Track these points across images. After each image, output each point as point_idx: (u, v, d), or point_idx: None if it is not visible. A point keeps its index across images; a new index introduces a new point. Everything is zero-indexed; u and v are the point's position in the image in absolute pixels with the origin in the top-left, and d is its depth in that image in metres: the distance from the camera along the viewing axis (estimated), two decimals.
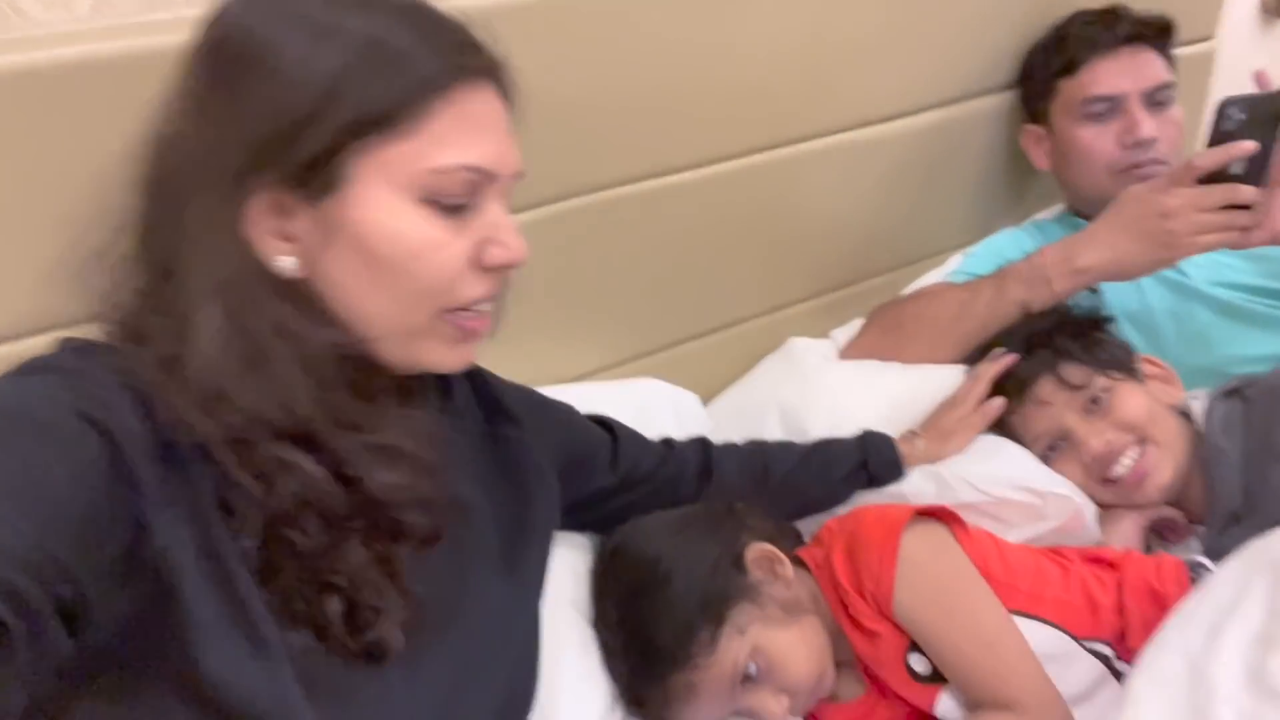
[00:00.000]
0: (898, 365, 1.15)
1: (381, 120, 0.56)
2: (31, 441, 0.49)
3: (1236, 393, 1.03)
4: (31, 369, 0.55)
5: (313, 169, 0.56)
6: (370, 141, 0.57)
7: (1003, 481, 0.98)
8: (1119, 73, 1.22)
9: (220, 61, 0.57)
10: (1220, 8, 1.56)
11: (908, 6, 1.21)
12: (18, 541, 0.46)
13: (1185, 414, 1.05)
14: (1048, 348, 1.05)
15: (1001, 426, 1.06)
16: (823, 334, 1.29)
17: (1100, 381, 1.02)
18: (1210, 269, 1.21)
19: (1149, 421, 1.01)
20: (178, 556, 0.53)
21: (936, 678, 0.83)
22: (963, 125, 1.34)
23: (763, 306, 1.27)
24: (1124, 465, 1.00)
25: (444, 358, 0.63)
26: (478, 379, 0.80)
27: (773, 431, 1.11)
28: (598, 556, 0.88)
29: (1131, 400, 1.02)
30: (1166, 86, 1.23)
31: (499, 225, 0.61)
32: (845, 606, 0.85)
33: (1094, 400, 1.02)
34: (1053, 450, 1.04)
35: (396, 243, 0.58)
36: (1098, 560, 0.90)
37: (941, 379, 1.13)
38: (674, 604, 0.80)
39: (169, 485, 0.54)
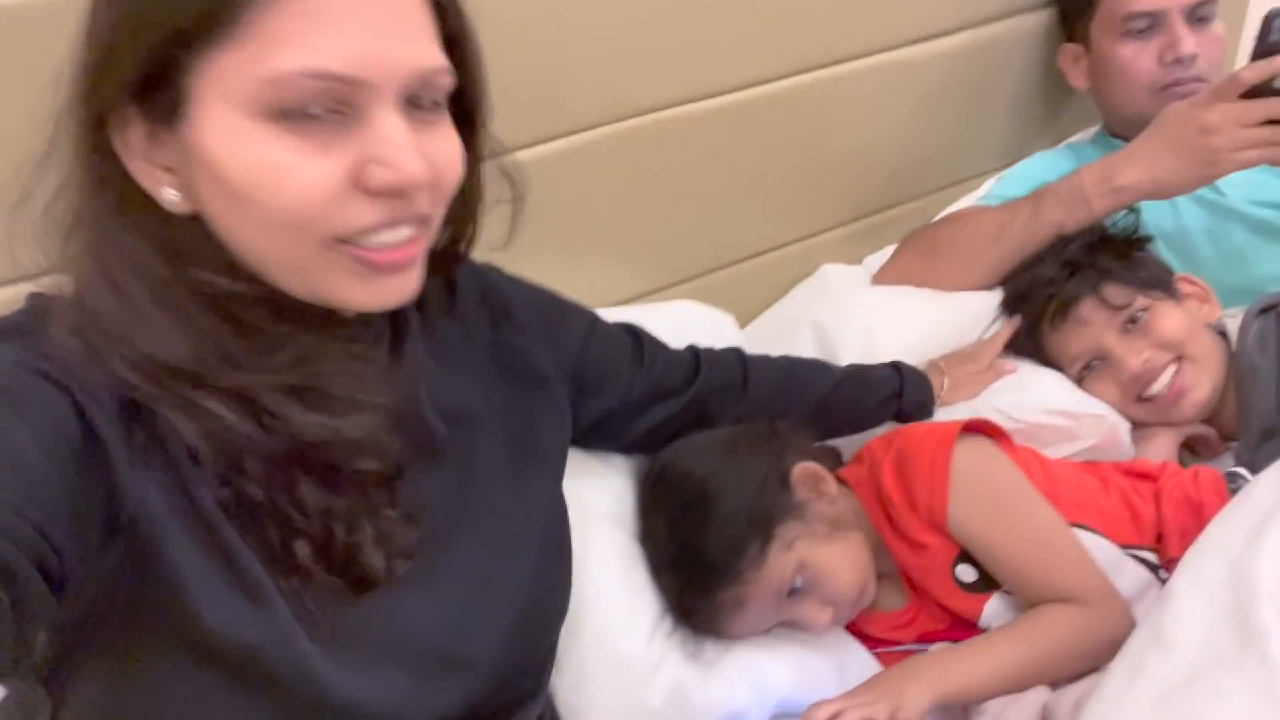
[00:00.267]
0: (931, 291, 1.16)
1: (203, 24, 0.49)
2: None
3: (1271, 310, 1.03)
4: None
5: (151, 89, 0.51)
6: (202, 51, 0.50)
7: (1035, 408, 0.99)
8: None
9: None
10: None
11: None
12: None
13: (1221, 332, 1.06)
14: (1091, 268, 1.05)
15: (1037, 347, 1.07)
16: (856, 260, 1.29)
17: (1140, 301, 1.03)
18: (1247, 187, 1.20)
19: (1187, 340, 1.02)
20: (154, 512, 0.52)
21: (983, 586, 0.85)
22: (998, 46, 1.32)
23: (796, 233, 1.27)
24: (1161, 383, 1.01)
25: (353, 294, 0.55)
26: (488, 283, 0.76)
27: (805, 354, 1.12)
28: (645, 475, 0.90)
29: (1170, 319, 1.03)
30: (1208, 1, 1.21)
31: (384, 140, 0.52)
32: (891, 521, 0.87)
33: (1132, 320, 1.03)
34: (1089, 370, 1.05)
35: (242, 169, 0.51)
36: (1135, 472, 0.92)
37: (974, 306, 1.13)
38: (724, 521, 0.83)
39: (136, 440, 0.52)
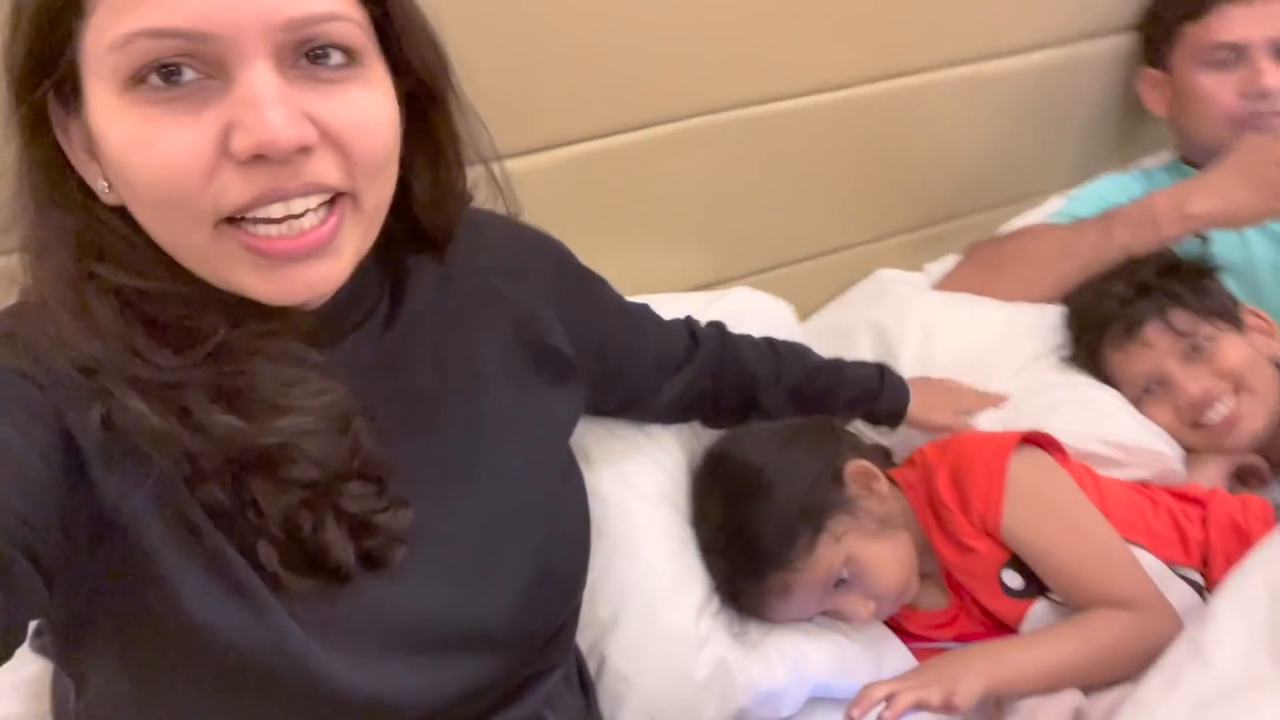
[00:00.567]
0: (991, 300, 1.17)
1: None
2: None
3: None
4: None
5: (47, 73, 0.48)
6: (75, 27, 0.47)
7: (1089, 435, 0.99)
8: (1247, 20, 1.19)
9: None
10: None
11: None
12: None
13: None
14: (1160, 291, 1.06)
15: (1096, 364, 1.09)
16: (917, 267, 1.31)
17: (1205, 329, 1.04)
18: None
19: (1247, 371, 1.02)
20: (137, 515, 0.51)
21: (1028, 593, 0.87)
22: (1079, 65, 1.32)
23: (860, 236, 1.30)
24: (1218, 411, 1.02)
25: (255, 286, 0.51)
26: (525, 248, 0.73)
27: (862, 353, 1.14)
28: (703, 459, 0.94)
29: (1232, 350, 1.04)
30: None
31: (244, 100, 0.47)
32: (940, 523, 0.89)
33: (1195, 347, 1.04)
34: (1147, 392, 1.06)
35: (115, 146, 0.48)
36: (1185, 496, 0.93)
37: (1033, 315, 1.14)
38: (777, 509, 0.86)
39: (113, 441, 0.50)
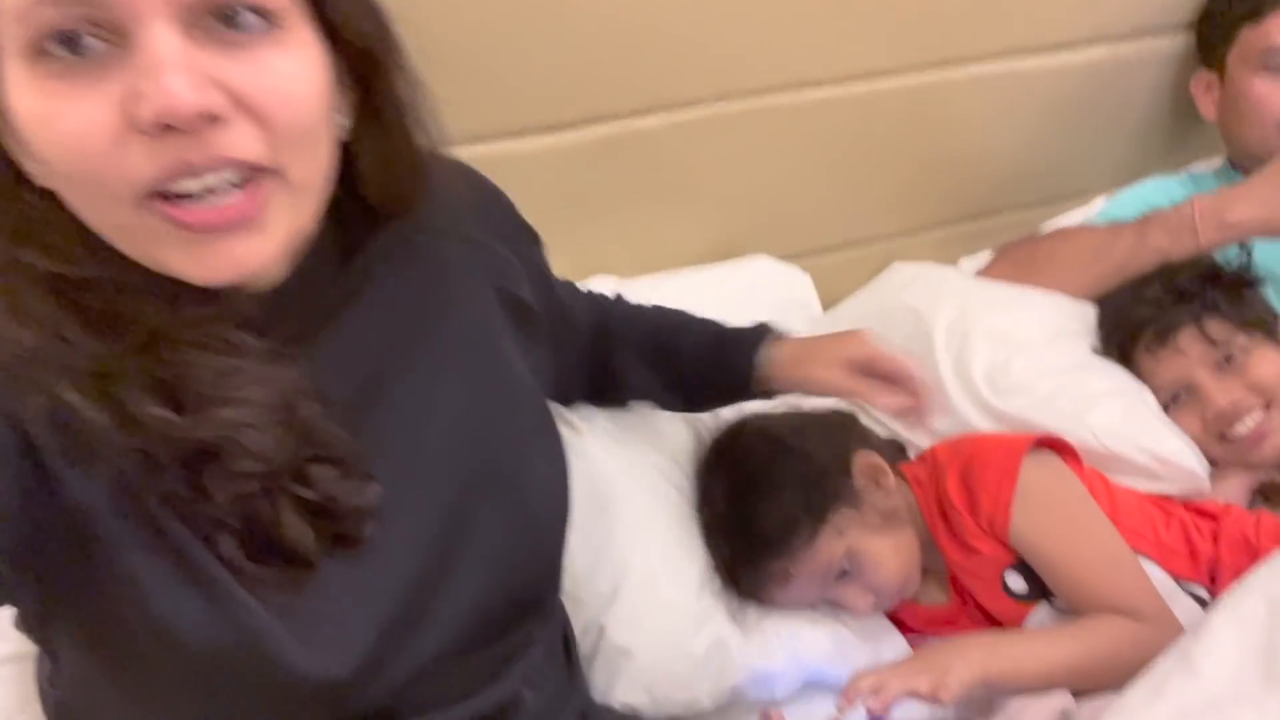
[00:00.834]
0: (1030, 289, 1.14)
1: None
2: None
3: None
4: None
5: None
6: None
7: (1127, 439, 0.97)
8: None
9: None
10: None
11: None
12: None
13: None
14: (1198, 298, 1.04)
15: (1128, 368, 1.07)
16: (951, 262, 1.30)
17: (1240, 340, 1.02)
18: None
19: (1279, 386, 1.00)
20: (95, 506, 0.50)
21: (1031, 597, 0.87)
22: (1130, 64, 1.30)
23: (894, 228, 1.29)
24: (1246, 425, 1.00)
25: (180, 264, 0.49)
26: (498, 206, 0.71)
27: (897, 337, 1.12)
28: (711, 443, 0.94)
29: (1266, 363, 1.01)
30: None
31: (146, 67, 0.44)
32: (947, 522, 0.89)
33: (1228, 358, 1.02)
34: (1175, 400, 1.04)
35: (26, 123, 0.46)
36: (1198, 510, 0.92)
37: (1073, 309, 1.12)
38: (781, 499, 0.86)
39: (70, 437, 0.49)
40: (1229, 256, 1.09)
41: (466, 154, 0.99)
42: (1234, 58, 1.22)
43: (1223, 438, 1.01)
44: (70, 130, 0.45)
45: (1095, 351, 1.09)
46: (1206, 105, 1.28)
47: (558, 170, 1.07)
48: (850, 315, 1.22)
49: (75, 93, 0.45)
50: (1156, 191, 1.26)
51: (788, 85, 1.11)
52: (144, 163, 0.45)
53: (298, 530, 0.53)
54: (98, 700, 0.59)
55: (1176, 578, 0.87)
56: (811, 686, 0.89)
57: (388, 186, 0.58)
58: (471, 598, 0.61)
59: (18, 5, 0.44)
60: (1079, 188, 1.36)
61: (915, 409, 0.82)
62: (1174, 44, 1.31)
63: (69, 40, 0.44)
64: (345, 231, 0.59)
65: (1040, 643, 0.83)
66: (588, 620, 0.85)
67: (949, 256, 1.30)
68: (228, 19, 0.46)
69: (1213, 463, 1.02)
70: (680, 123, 1.09)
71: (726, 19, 1.04)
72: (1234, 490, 1.00)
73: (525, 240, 0.72)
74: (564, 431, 0.72)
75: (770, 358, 0.84)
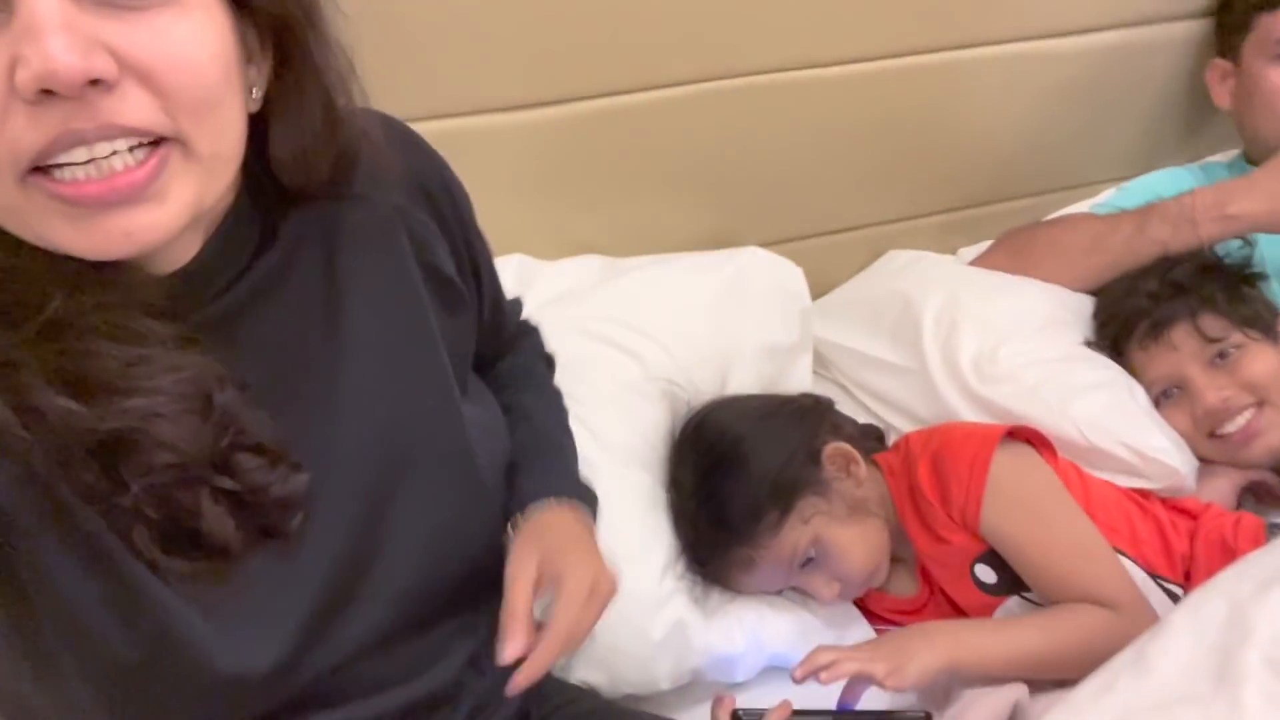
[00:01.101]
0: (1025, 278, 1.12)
1: None
2: None
3: None
4: None
5: None
6: None
7: (1109, 433, 0.95)
8: None
9: None
10: None
11: None
12: None
13: None
14: (1194, 293, 1.01)
15: (1120, 361, 1.04)
16: (950, 250, 1.28)
17: (1235, 337, 0.99)
18: None
19: (1272, 385, 0.97)
20: (11, 499, 0.49)
21: (1000, 590, 0.86)
22: (1144, 50, 1.26)
23: (891, 214, 1.26)
24: (1235, 423, 0.97)
25: (68, 239, 0.46)
26: (437, 179, 0.67)
27: (885, 323, 1.12)
28: (682, 425, 0.93)
29: (1260, 361, 0.99)
30: None
31: (25, 30, 0.42)
32: (919, 512, 0.88)
33: (1222, 354, 0.99)
34: (1166, 396, 1.02)
35: None
36: (1177, 508, 0.90)
37: (1067, 299, 1.09)
38: (747, 485, 0.85)
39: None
40: (1230, 250, 1.06)
41: (451, 126, 1.01)
42: (1250, 46, 1.18)
43: (1212, 435, 0.99)
44: None
45: (1088, 343, 1.07)
46: (1221, 95, 1.24)
47: (547, 145, 1.06)
48: (840, 302, 1.21)
49: None
50: (1167, 183, 1.23)
51: (782, 66, 1.09)
52: (28, 132, 0.43)
53: (218, 522, 0.52)
54: (23, 700, 0.56)
55: (1152, 573, 0.85)
56: (774, 670, 0.88)
57: (303, 160, 0.55)
58: (401, 582, 0.60)
59: None
60: (1086, 177, 1.33)
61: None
62: (1190, 30, 1.27)
63: None
64: (264, 210, 0.58)
65: (1008, 632, 0.81)
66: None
67: (948, 245, 1.28)
68: None
69: (1202, 460, 1.00)
70: (671, 100, 1.07)
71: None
72: (1222, 489, 0.98)
73: (446, 198, 0.67)
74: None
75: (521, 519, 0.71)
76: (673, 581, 0.87)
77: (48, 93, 0.42)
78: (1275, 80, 1.15)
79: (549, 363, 0.85)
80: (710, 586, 0.89)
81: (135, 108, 0.45)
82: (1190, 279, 1.02)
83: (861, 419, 1.08)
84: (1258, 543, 0.83)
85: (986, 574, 0.86)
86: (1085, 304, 1.10)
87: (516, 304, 0.83)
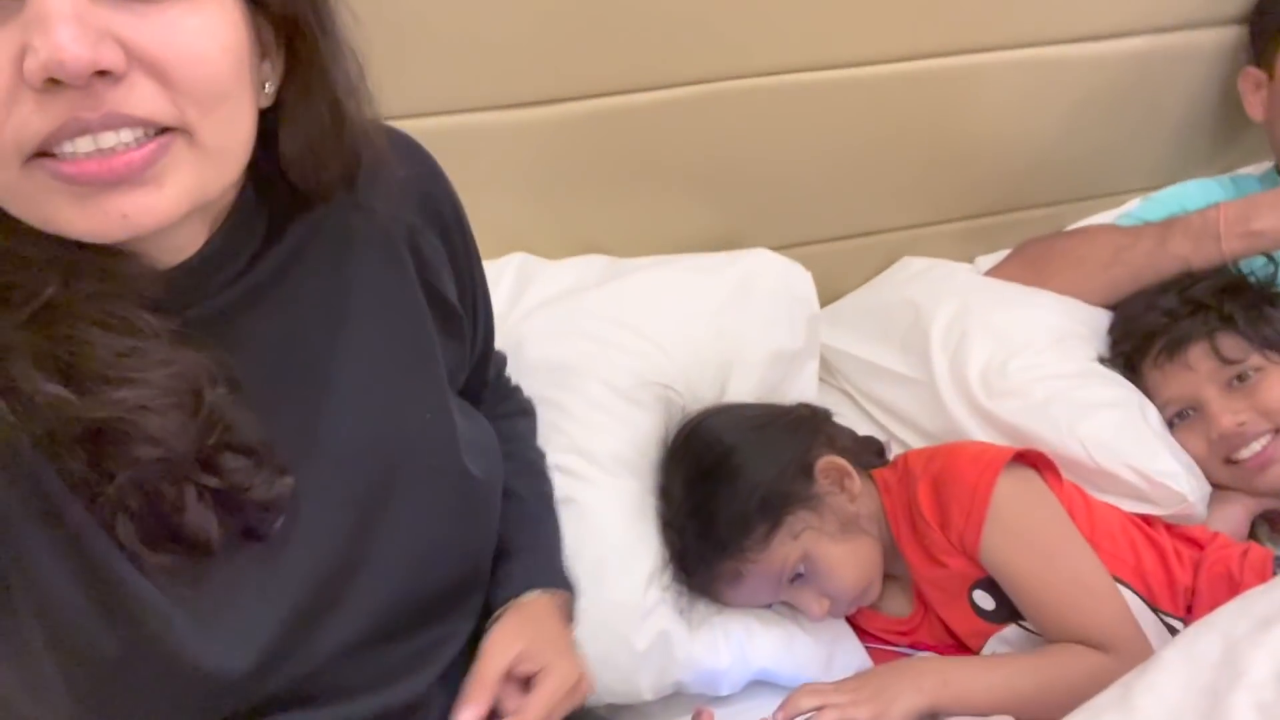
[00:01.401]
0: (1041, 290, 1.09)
1: None
2: None
3: None
4: None
5: None
6: None
7: (1117, 455, 0.91)
8: None
9: None
10: None
11: None
12: None
13: None
14: (1213, 312, 0.98)
15: (1133, 380, 1.01)
16: (967, 259, 1.25)
17: (1254, 359, 0.96)
18: None
19: None
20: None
21: (998, 617, 0.83)
22: (1174, 57, 1.21)
23: (908, 220, 1.24)
24: (1251, 449, 0.94)
25: (71, 221, 0.47)
26: (437, 192, 0.67)
27: (895, 331, 1.10)
28: (676, 432, 0.91)
29: (1279, 385, 0.95)
30: None
31: (36, 18, 0.42)
32: (916, 533, 0.86)
33: (1240, 377, 0.96)
34: (1181, 417, 0.98)
35: None
36: (1184, 536, 0.87)
37: (1082, 312, 1.07)
38: (737, 497, 0.83)
39: None
40: (1255, 268, 1.02)
41: (456, 123, 1.00)
42: None
43: (1228, 460, 0.95)
44: None
45: (1102, 360, 1.03)
46: (1254, 105, 1.20)
47: (557, 143, 1.05)
48: (850, 309, 1.19)
49: None
50: (1196, 194, 1.19)
51: (796, 67, 1.07)
52: (34, 119, 0.44)
53: (201, 519, 0.52)
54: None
55: (1153, 606, 0.82)
56: (760, 684, 0.87)
57: (311, 161, 0.55)
58: (385, 591, 0.60)
59: None
60: (1111, 187, 1.29)
61: None
62: (1225, 36, 1.22)
63: None
64: (272, 210, 0.58)
65: (998, 673, 0.79)
66: None
67: (964, 253, 1.25)
68: None
69: (1216, 486, 0.96)
70: (686, 100, 1.05)
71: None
72: (1235, 516, 0.94)
73: (458, 230, 0.68)
74: None
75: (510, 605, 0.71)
76: (658, 592, 0.86)
77: (55, 82, 0.43)
78: None
79: (529, 412, 0.86)
80: (697, 598, 0.88)
81: (142, 98, 0.45)
82: (1210, 296, 0.99)
83: (866, 429, 1.06)
84: (1264, 577, 0.80)
85: (985, 600, 0.84)
86: (1101, 318, 1.07)
87: (501, 357, 0.84)
